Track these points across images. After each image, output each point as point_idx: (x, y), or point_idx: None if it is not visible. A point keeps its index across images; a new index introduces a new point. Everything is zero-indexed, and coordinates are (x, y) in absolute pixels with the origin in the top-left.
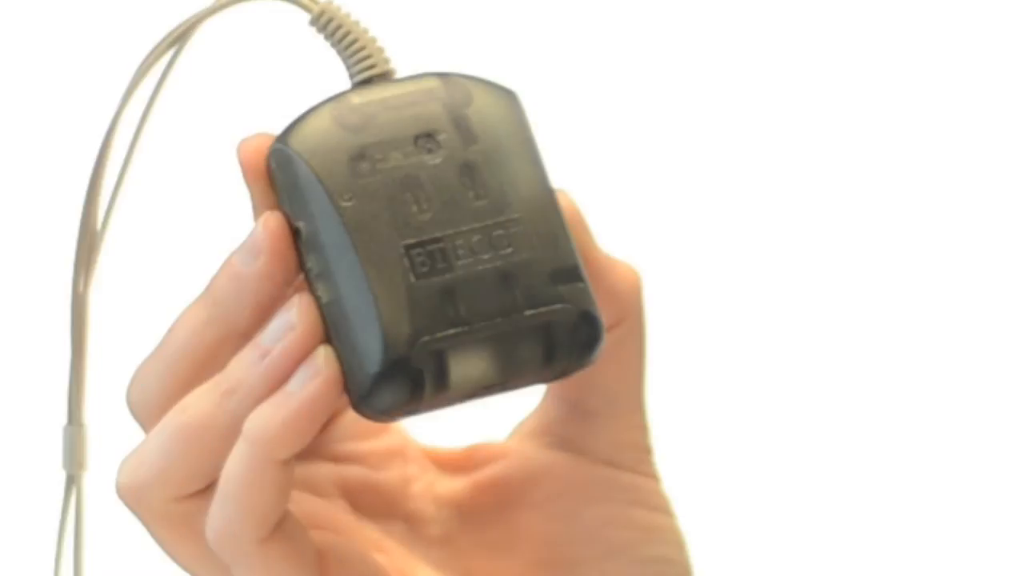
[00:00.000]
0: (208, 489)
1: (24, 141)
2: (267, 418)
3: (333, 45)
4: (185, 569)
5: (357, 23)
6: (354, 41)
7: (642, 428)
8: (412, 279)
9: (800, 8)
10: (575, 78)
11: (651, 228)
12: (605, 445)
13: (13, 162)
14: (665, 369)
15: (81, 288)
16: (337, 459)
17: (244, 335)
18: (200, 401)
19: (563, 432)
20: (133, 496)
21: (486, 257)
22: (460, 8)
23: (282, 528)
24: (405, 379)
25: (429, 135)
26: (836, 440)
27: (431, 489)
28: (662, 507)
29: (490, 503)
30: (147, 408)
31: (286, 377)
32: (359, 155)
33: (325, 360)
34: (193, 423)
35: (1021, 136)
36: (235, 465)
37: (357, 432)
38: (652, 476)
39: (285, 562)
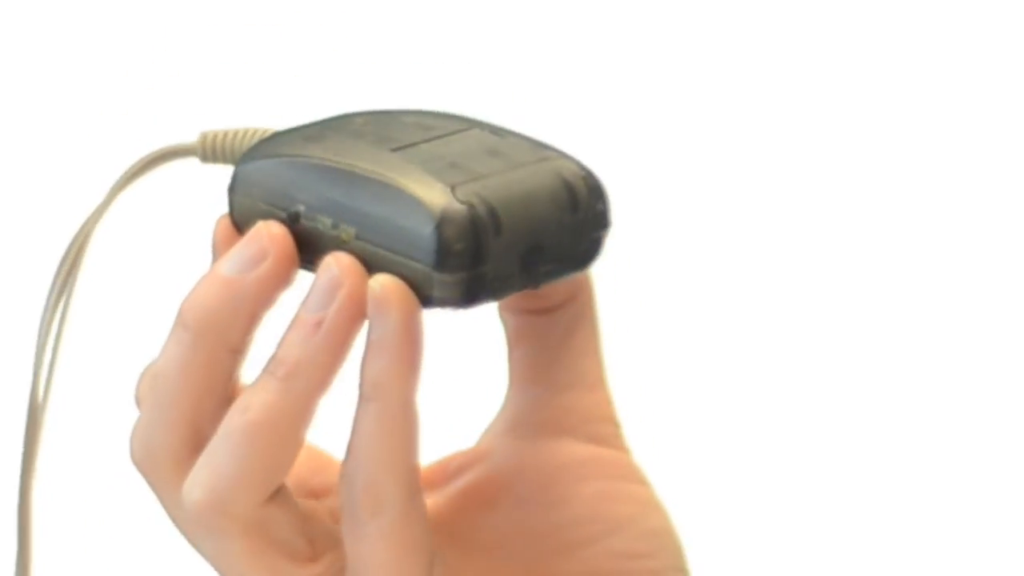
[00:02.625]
0: (280, 492)
1: None
2: (383, 367)
3: (234, 159)
4: None
5: (241, 128)
6: (245, 133)
7: (611, 402)
8: (415, 158)
9: (799, 9)
10: (573, 77)
11: (646, 227)
12: (584, 420)
13: None
14: (658, 368)
15: (26, 483)
16: (314, 494)
17: (235, 351)
18: (261, 394)
19: (540, 417)
20: (219, 510)
21: (473, 145)
22: (459, 8)
23: (419, 485)
24: (460, 220)
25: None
26: (830, 440)
27: None
28: (645, 480)
29: (474, 509)
30: (157, 460)
31: (347, 339)
32: (316, 135)
33: (383, 287)
34: (261, 418)
35: (1021, 136)
36: (372, 423)
37: (320, 466)
38: (627, 450)
39: (424, 521)
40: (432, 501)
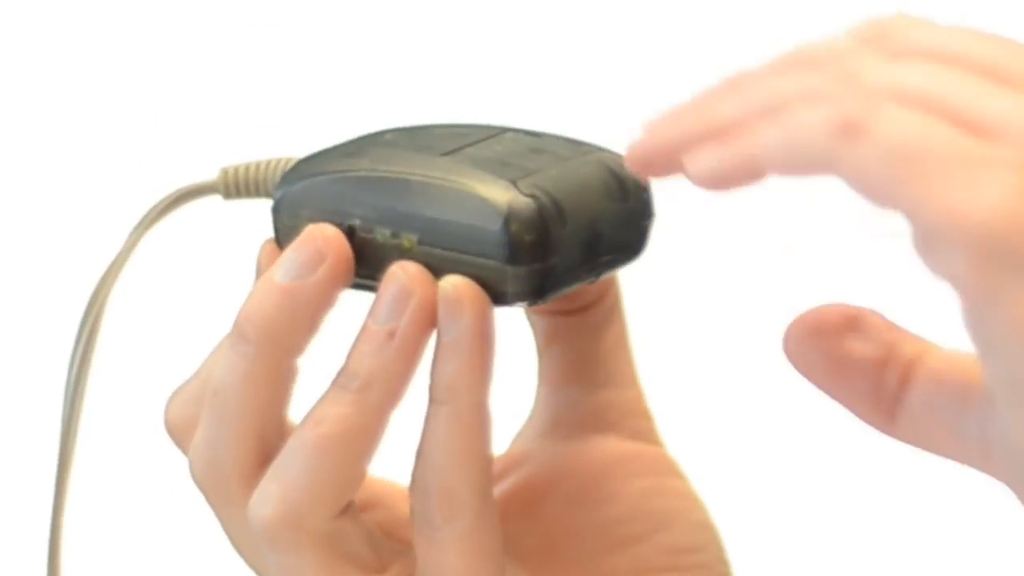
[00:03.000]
0: (349, 505)
1: None
2: (457, 370)
3: (259, 193)
4: None
5: (262, 160)
6: (268, 164)
7: (644, 397)
8: (466, 161)
9: (800, 8)
10: (573, 77)
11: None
12: (623, 416)
13: None
14: (658, 368)
15: None
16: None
17: (296, 357)
18: (335, 408)
19: (579, 416)
20: (292, 524)
21: (513, 146)
22: (458, 8)
23: (491, 487)
24: (529, 213)
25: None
26: (829, 442)
27: None
28: (683, 474)
29: (517, 515)
30: (223, 476)
31: (420, 348)
32: (355, 151)
33: (455, 288)
34: (336, 431)
35: None
36: (446, 427)
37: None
38: (662, 444)
39: (497, 525)
40: None
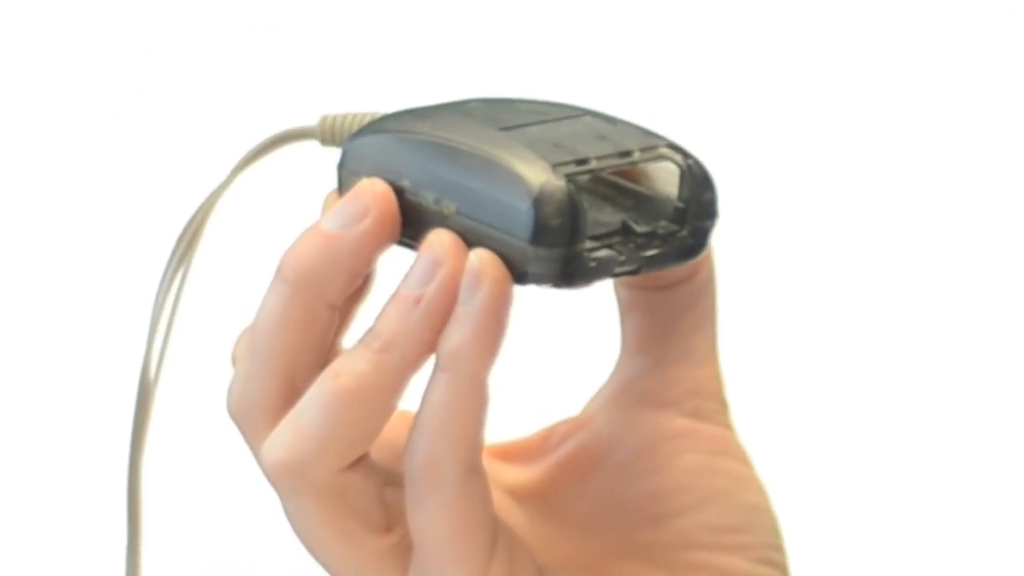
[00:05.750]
0: (362, 460)
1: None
2: (463, 339)
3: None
4: (327, 557)
5: (360, 112)
6: (364, 117)
7: (719, 380)
8: (520, 138)
9: (800, 8)
10: (574, 77)
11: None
12: (687, 395)
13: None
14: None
15: (137, 462)
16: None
17: (333, 307)
18: (355, 363)
19: (644, 387)
20: (296, 472)
21: (582, 129)
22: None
23: (480, 463)
24: (561, 195)
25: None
26: (833, 442)
27: (497, 484)
28: (745, 459)
29: (572, 479)
30: (251, 411)
31: (445, 317)
32: (427, 115)
33: (480, 261)
34: (353, 386)
35: (1021, 136)
36: (442, 394)
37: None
38: (731, 429)
39: (484, 498)
40: (534, 472)
